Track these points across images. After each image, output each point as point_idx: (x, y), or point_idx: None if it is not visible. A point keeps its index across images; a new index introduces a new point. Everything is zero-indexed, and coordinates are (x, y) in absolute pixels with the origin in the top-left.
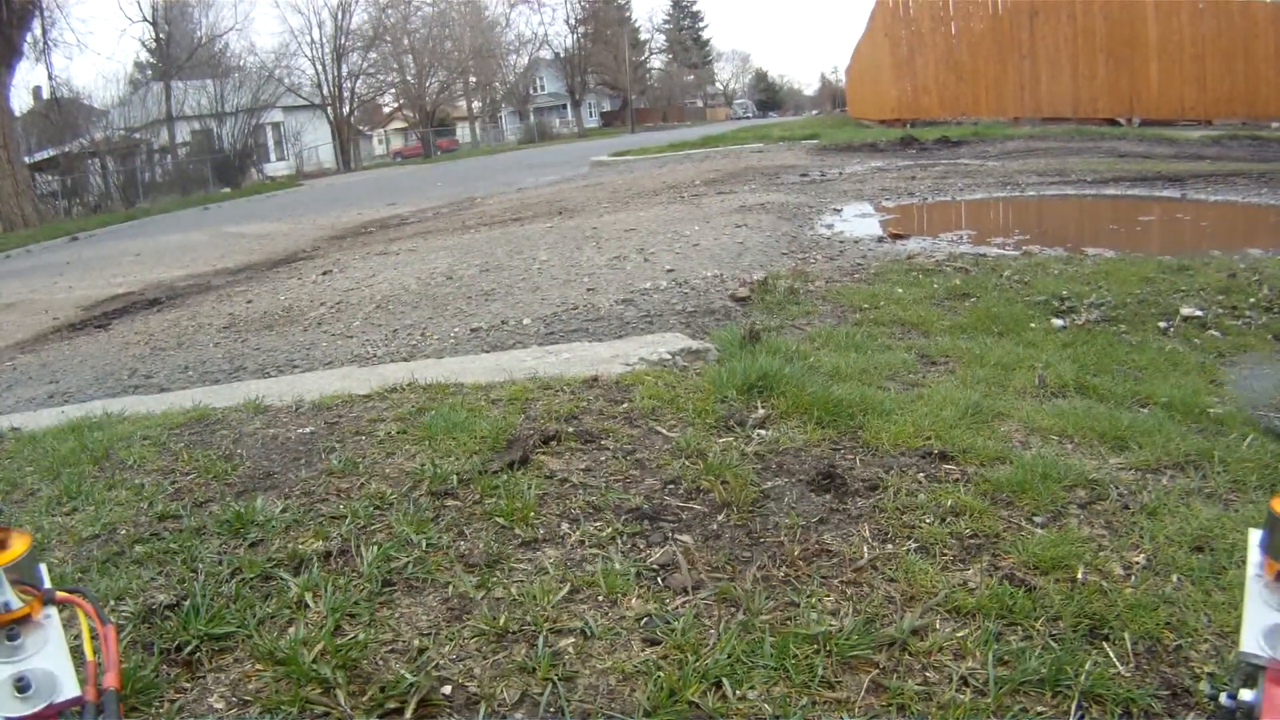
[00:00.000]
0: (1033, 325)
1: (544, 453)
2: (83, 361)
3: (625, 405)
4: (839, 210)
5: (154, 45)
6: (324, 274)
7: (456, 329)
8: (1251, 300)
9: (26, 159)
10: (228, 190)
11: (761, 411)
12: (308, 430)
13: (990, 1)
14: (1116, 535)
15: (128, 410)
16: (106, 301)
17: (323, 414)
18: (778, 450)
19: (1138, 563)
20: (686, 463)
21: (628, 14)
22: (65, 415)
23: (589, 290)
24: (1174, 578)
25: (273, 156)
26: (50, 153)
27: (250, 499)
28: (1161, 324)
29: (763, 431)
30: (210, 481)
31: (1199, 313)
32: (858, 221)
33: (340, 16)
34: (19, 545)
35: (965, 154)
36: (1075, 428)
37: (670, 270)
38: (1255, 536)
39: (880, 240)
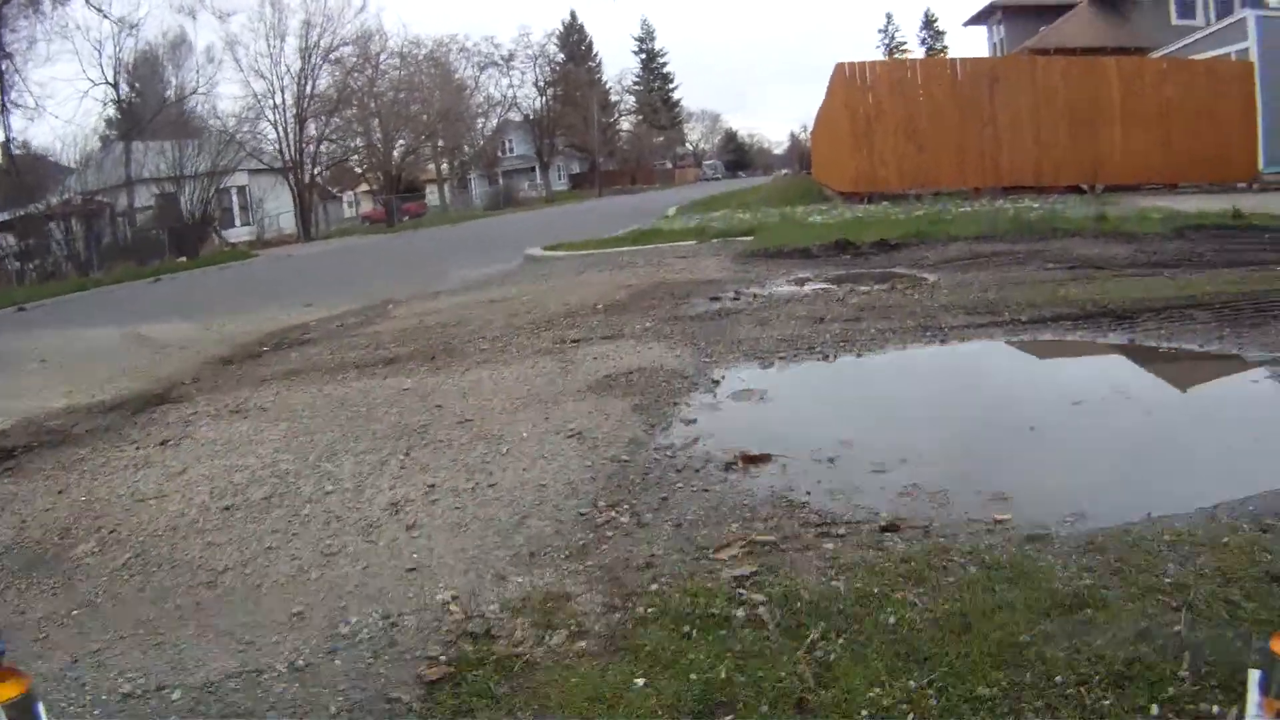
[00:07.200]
0: None
1: None
2: None
3: None
4: (715, 385)
5: (122, 104)
6: (161, 444)
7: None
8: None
9: None
10: (184, 260)
11: None
12: None
13: (950, 68)
14: None
15: None
16: None
17: None
18: None
19: None
20: None
21: (598, 76)
22: None
23: (295, 615)
24: None
25: (237, 221)
26: (7, 215)
27: None
28: None
29: None
30: None
31: None
32: (727, 413)
33: (303, 82)
34: (20, 685)
35: (902, 262)
36: None
37: (411, 570)
38: (1254, 677)
39: (729, 468)
